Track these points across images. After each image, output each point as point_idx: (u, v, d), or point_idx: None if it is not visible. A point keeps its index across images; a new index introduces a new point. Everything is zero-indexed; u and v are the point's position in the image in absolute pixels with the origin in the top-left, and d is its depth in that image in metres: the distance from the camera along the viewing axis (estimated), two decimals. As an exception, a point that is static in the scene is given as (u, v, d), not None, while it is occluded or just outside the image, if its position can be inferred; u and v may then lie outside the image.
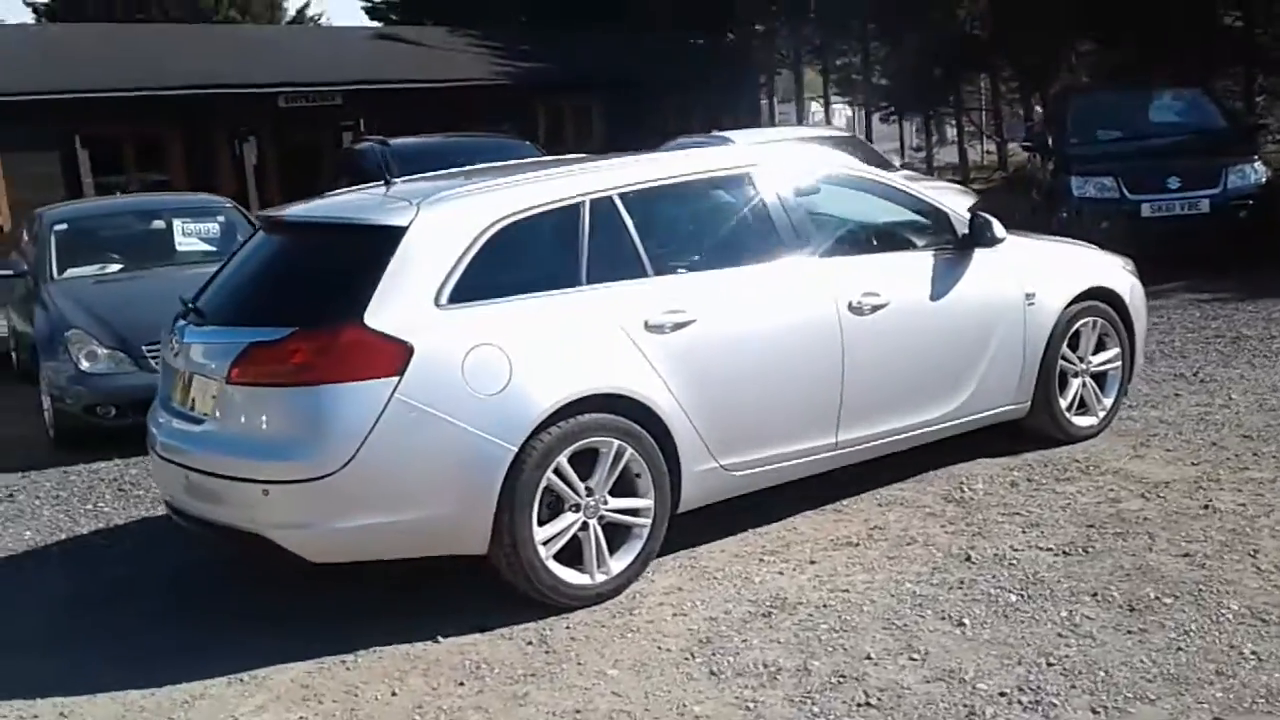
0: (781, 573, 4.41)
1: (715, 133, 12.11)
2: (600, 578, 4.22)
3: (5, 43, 16.62)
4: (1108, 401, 5.87)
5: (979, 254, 5.34)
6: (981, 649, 3.66)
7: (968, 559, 4.39)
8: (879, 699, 3.39)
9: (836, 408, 4.83)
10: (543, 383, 4.06)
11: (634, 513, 4.32)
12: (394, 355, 3.87)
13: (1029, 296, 5.45)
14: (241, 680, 3.81)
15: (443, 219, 4.17)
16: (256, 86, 16.26)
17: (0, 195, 13.39)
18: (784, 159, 5.25)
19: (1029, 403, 5.56)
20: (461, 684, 3.70)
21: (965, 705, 3.31)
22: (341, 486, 3.84)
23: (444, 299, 4.02)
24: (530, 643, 3.95)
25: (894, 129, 32.99)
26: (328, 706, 3.61)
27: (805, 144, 6.19)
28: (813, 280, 4.79)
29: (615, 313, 4.28)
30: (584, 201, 4.40)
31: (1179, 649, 3.56)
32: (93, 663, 4.02)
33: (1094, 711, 3.24)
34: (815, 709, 3.36)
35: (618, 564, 4.28)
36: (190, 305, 4.48)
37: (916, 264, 5.18)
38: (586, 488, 4.19)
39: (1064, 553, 4.39)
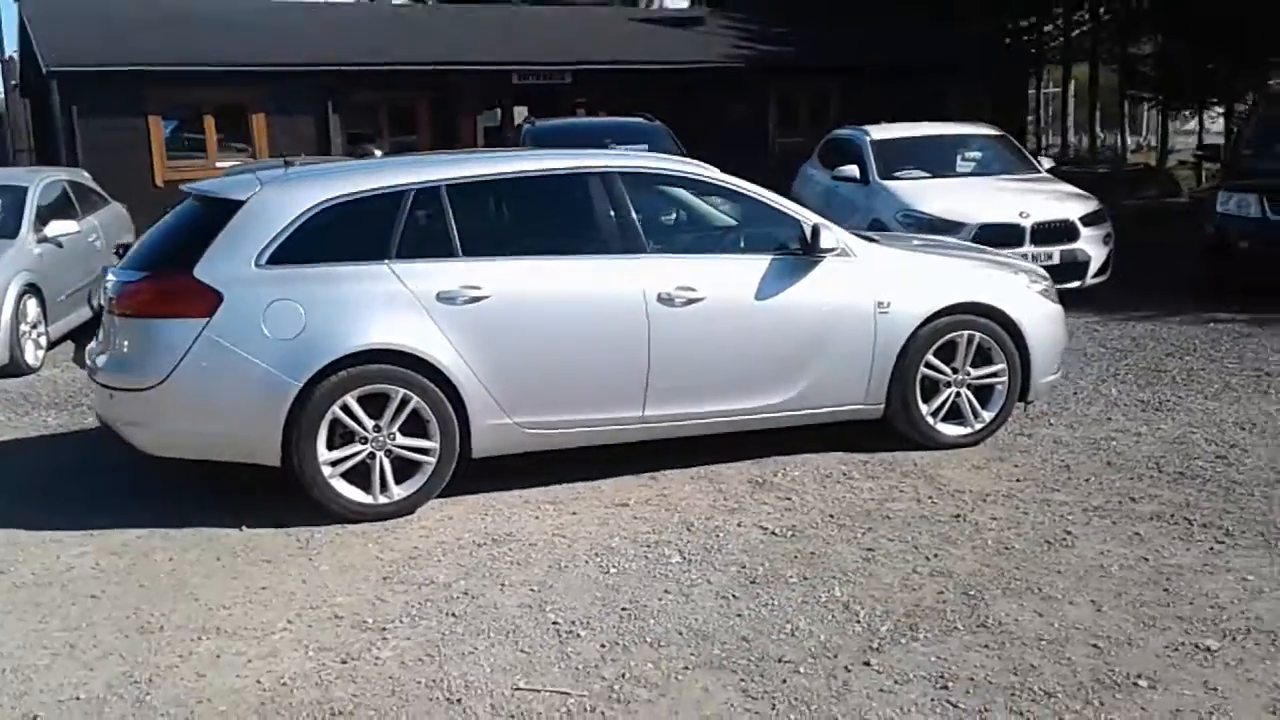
0: (537, 517, 5.14)
1: (857, 126, 12.41)
2: (382, 499, 5.15)
3: (279, 18, 19.06)
4: (987, 415, 6.04)
5: (831, 262, 5.72)
6: (601, 591, 4.28)
7: (688, 527, 4.95)
8: (470, 609, 4.12)
9: (643, 384, 5.45)
10: (331, 335, 5.02)
11: (422, 451, 5.19)
12: (207, 300, 4.96)
13: (881, 304, 5.76)
14: (89, 533, 5.06)
15: (274, 196, 5.21)
16: (494, 64, 17.99)
17: (263, 153, 15.86)
18: (632, 164, 5.84)
19: (882, 405, 5.87)
20: (219, 559, 4.76)
21: (502, 619, 3.99)
22: (161, 397, 5.00)
23: (263, 260, 5.06)
24: (297, 541, 4.93)
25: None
26: (126, 560, 4.77)
27: (662, 154, 6.63)
28: (623, 272, 5.42)
29: (413, 284, 5.15)
30: (409, 190, 5.29)
31: (762, 618, 4.03)
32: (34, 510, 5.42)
33: (653, 647, 3.82)
34: (422, 613, 4.14)
35: (401, 490, 5.18)
36: (119, 252, 5.80)
37: (744, 266, 5.66)
38: (375, 425, 5.11)
39: (772, 534, 4.84)
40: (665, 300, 5.43)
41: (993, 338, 5.97)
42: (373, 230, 5.27)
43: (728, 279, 5.61)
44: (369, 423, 5.10)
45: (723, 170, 6.02)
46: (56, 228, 9.35)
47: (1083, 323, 9.32)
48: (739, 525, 4.96)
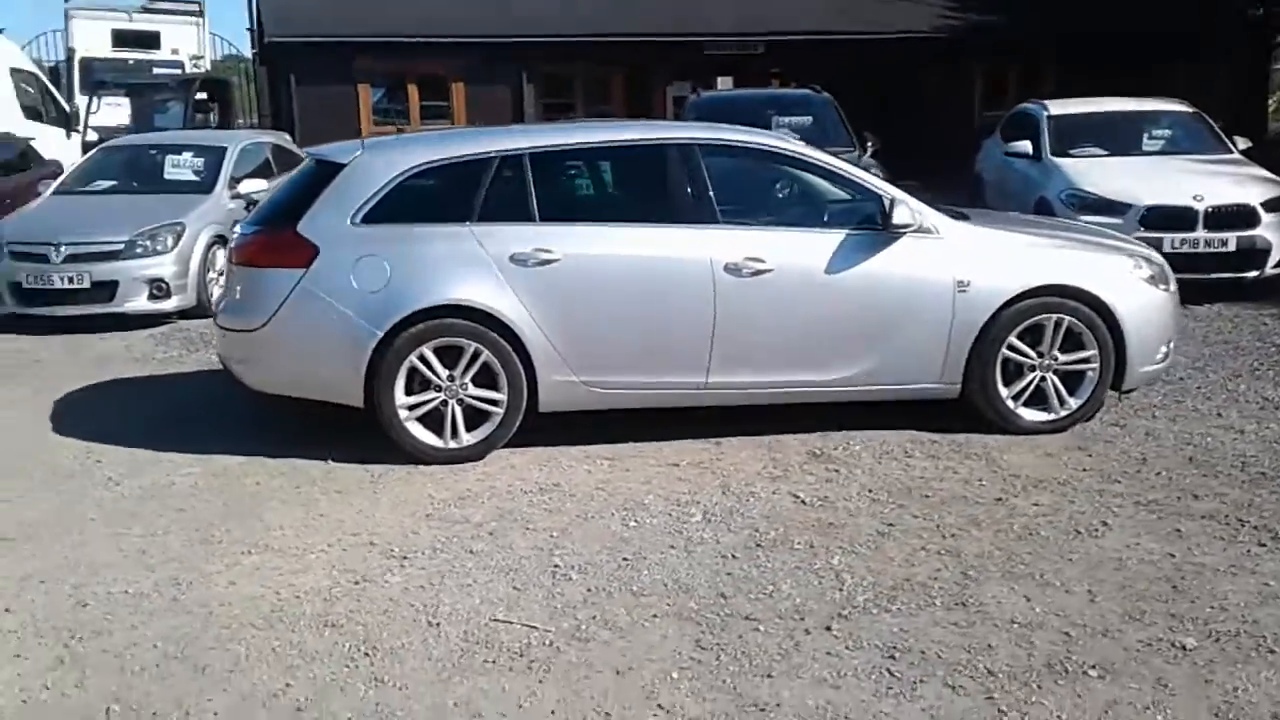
0: (589, 471, 5.43)
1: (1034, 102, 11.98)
2: (452, 444, 5.56)
3: None
4: (1074, 402, 5.88)
5: (910, 239, 5.72)
6: (612, 542, 4.53)
7: (725, 490, 5.12)
8: (487, 547, 4.46)
9: (707, 352, 5.63)
10: (411, 289, 5.45)
11: (492, 402, 5.57)
12: (305, 253, 5.48)
13: (961, 283, 5.71)
14: (201, 457, 5.71)
15: (373, 160, 5.66)
16: (686, 35, 18.22)
17: (460, 120, 16.73)
18: (711, 136, 5.97)
19: (959, 385, 5.83)
20: (298, 487, 5.29)
21: (515, 563, 4.30)
22: (264, 339, 5.57)
23: (358, 219, 5.53)
24: (371, 476, 5.41)
25: None
26: (221, 481, 5.38)
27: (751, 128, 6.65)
28: (692, 241, 5.60)
29: (490, 246, 5.50)
30: (495, 157, 5.65)
31: (750, 578, 4.20)
32: (166, 433, 6.15)
33: (635, 595, 4.08)
34: (444, 547, 4.52)
35: (471, 437, 5.58)
36: (248, 208, 6.42)
37: (817, 239, 5.72)
38: (450, 375, 5.52)
39: (802, 502, 4.96)
40: (733, 270, 5.57)
41: (1084, 322, 5.79)
42: (458, 194, 5.66)
43: (798, 252, 5.69)
44: (444, 373, 5.50)
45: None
46: (249, 185, 10.26)
47: (1250, 314, 8.81)
48: (774, 492, 5.09)
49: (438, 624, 3.87)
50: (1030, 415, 5.88)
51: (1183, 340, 7.91)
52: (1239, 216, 9.55)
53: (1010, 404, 5.86)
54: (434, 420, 5.57)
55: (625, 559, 4.38)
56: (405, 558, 4.43)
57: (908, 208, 5.68)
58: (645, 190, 5.87)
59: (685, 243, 5.61)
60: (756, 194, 6.10)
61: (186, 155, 10.59)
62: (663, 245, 5.62)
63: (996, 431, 5.85)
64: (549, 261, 5.51)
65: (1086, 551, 4.39)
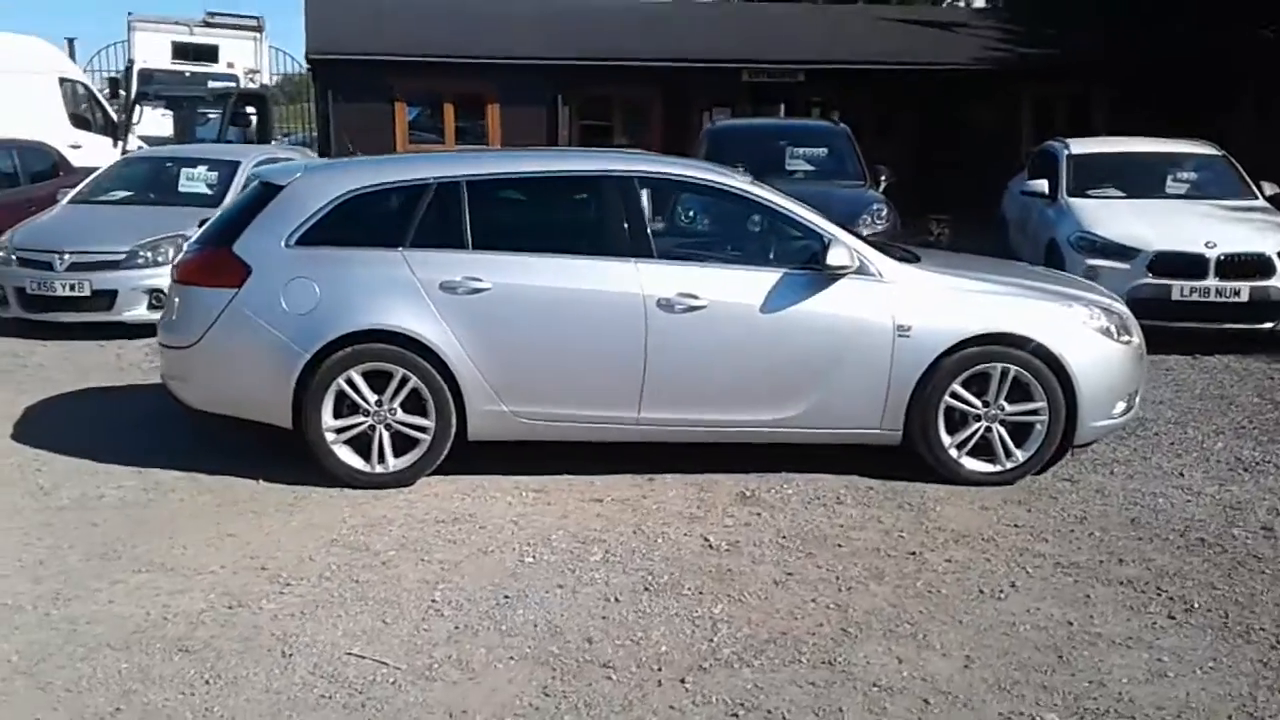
0: (510, 503, 5.37)
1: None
2: (379, 469, 5.55)
3: (517, 9, 19.77)
4: (1021, 454, 5.70)
5: (850, 280, 5.60)
6: (500, 578, 4.47)
7: (636, 529, 5.04)
8: (374, 578, 4.43)
9: (638, 387, 5.56)
10: (340, 313, 5.46)
11: (419, 429, 5.55)
12: (238, 273, 5.52)
13: (901, 328, 5.58)
14: (140, 470, 5.76)
15: (311, 183, 5.71)
16: (724, 61, 18.16)
17: (495, 140, 16.86)
18: (652, 169, 5.91)
19: (899, 431, 5.68)
20: (219, 505, 5.31)
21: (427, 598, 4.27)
22: (196, 356, 5.62)
23: (292, 241, 5.56)
24: (294, 497, 5.42)
25: None
26: (149, 496, 5.42)
27: (693, 160, 6.50)
28: (625, 275, 5.53)
29: (420, 272, 5.50)
30: (431, 184, 5.65)
31: (625, 622, 4.12)
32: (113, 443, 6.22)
33: (500, 634, 4.02)
34: (333, 575, 4.50)
35: (397, 463, 5.56)
36: (200, 225, 6.47)
37: (753, 277, 5.62)
38: (378, 400, 5.51)
39: (709, 546, 4.85)
40: (665, 306, 5.50)
41: (1031, 373, 5.62)
42: (393, 219, 5.67)
43: (734, 289, 5.60)
44: (372, 398, 5.50)
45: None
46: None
47: (1259, 368, 8.49)
48: (685, 534, 4.99)
49: (290, 655, 3.84)
50: (974, 466, 5.72)
51: (1177, 393, 7.67)
52: (1254, 265, 9.21)
53: (954, 453, 5.69)
54: (363, 444, 5.56)
55: (506, 597, 4.31)
56: (289, 584, 4.41)
57: (845, 249, 5.56)
58: (580, 221, 5.84)
59: (617, 276, 5.55)
60: (696, 229, 6.04)
61: (201, 169, 10.78)
62: (594, 277, 5.56)
63: (941, 480, 5.69)
64: (479, 290, 5.49)
65: (982, 614, 4.23)
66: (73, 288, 9.28)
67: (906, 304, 5.61)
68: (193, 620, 4.08)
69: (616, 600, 4.30)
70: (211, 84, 20.11)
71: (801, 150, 11.49)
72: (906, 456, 5.76)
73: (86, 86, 16.89)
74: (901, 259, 5.88)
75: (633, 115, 18.64)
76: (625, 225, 5.62)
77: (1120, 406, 5.85)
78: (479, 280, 5.49)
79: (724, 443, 5.78)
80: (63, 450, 6.06)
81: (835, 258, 5.51)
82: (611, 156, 6.14)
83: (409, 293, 5.48)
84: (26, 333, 9.27)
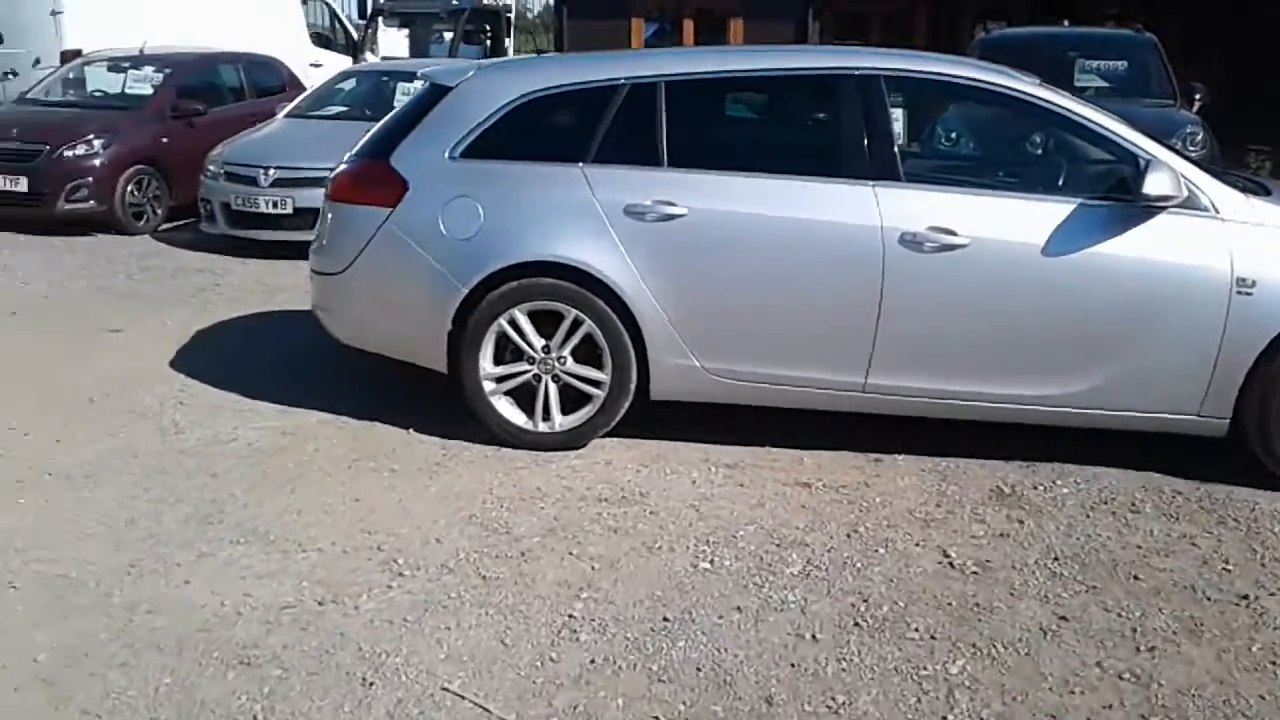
0: (695, 482, 4.30)
1: None
2: (542, 427, 4.58)
3: None
4: (1404, 464, 4.15)
5: (1172, 216, 4.17)
6: (649, 595, 3.42)
7: (851, 533, 3.85)
8: (506, 575, 3.47)
9: (869, 345, 4.34)
10: (504, 240, 4.48)
11: (593, 383, 4.54)
12: (394, 189, 4.62)
13: (1242, 283, 4.11)
14: (284, 410, 5.04)
15: (483, 84, 4.71)
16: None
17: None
18: (903, 66, 4.56)
19: (1227, 420, 4.23)
20: (357, 459, 4.49)
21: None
22: (345, 285, 4.78)
23: (457, 152, 4.61)
24: (442, 455, 4.54)
25: None
26: (283, 442, 4.67)
27: (960, 58, 4.86)
28: (861, 203, 4.29)
29: (602, 193, 4.43)
30: (623, 85, 4.55)
31: (837, 675, 2.99)
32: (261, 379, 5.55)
33: (627, 678, 3.01)
34: (457, 568, 3.57)
35: (565, 421, 4.58)
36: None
37: (1035, 209, 4.26)
38: (545, 345, 4.54)
39: (950, 565, 3.62)
40: (911, 243, 4.23)
41: None
42: (575, 128, 4.63)
43: (1006, 224, 4.26)
44: (538, 342, 4.53)
45: None
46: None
47: None
48: (918, 543, 3.77)
49: (372, 684, 2.92)
50: (1332, 474, 4.19)
51: None
52: None
53: (1301, 452, 4.19)
54: (526, 397, 4.61)
55: (666, 620, 3.25)
56: (401, 574, 3.51)
57: (1170, 174, 4.09)
58: (806, 133, 4.64)
59: (849, 203, 4.31)
60: (960, 150, 4.68)
61: (418, 83, 10.08)
62: (820, 205, 4.34)
63: (1279, 488, 4.21)
64: (673, 216, 4.38)
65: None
66: (276, 204, 8.81)
67: (1251, 251, 4.13)
68: (270, 618, 3.23)
69: (814, 638, 3.15)
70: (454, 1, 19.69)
71: (1095, 64, 9.70)
72: (1227, 453, 4.30)
73: (328, 4, 16.75)
74: (1246, 190, 4.34)
75: (892, 31, 16.87)
76: (865, 139, 4.35)
77: None
78: (673, 205, 4.38)
79: (977, 422, 4.47)
80: (214, 380, 5.43)
81: (1156, 185, 4.06)
82: (850, 52, 4.85)
83: (587, 217, 4.43)
84: (231, 250, 8.89)
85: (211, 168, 9.16)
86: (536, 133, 4.65)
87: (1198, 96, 9.69)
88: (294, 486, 4.20)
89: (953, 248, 4.21)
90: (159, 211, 10.01)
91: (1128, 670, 3.00)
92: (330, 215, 4.93)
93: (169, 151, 10.04)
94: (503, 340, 4.56)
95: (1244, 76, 14.84)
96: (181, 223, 9.99)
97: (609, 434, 4.60)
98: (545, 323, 4.52)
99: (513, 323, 4.51)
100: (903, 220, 4.24)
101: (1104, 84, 9.71)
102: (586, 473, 4.36)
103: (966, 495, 4.18)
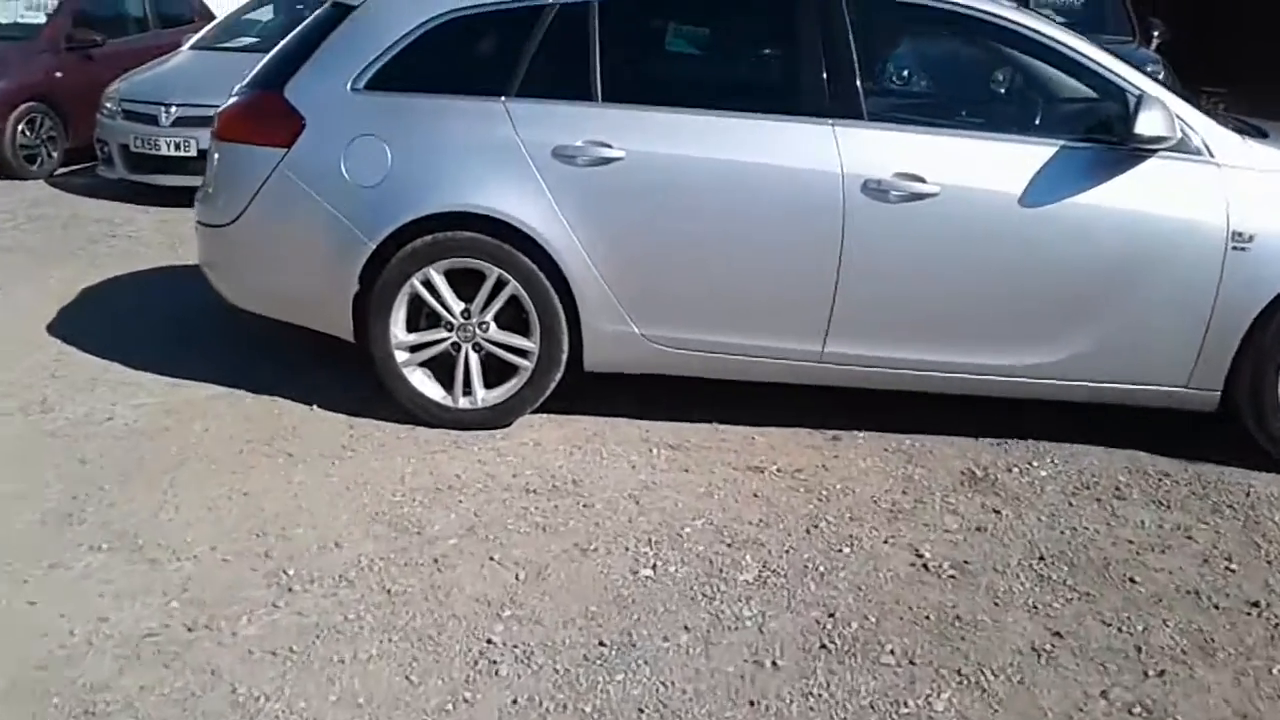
0: (634, 466, 3.81)
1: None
2: (463, 402, 4.06)
3: None
4: None
5: (1162, 161, 3.71)
6: (577, 604, 2.93)
7: (812, 526, 3.39)
8: (415, 589, 2.97)
9: (827, 308, 3.85)
10: (416, 187, 3.91)
11: (520, 352, 4.01)
12: (289, 126, 4.02)
13: (1239, 237, 3.67)
14: (173, 383, 4.46)
15: (391, 2, 4.11)
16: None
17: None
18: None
19: (1217, 392, 3.82)
20: (248, 442, 3.94)
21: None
22: (233, 238, 4.19)
23: (361, 83, 4.01)
24: (349, 436, 4.00)
25: None
26: (167, 422, 4.10)
27: None
28: (818, 144, 3.77)
29: (527, 131, 3.87)
30: (553, 4, 3.97)
31: (798, 716, 2.52)
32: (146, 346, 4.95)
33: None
34: (357, 579, 3.06)
35: (488, 395, 4.05)
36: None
37: (1013, 152, 3.77)
38: (465, 310, 3.99)
39: (925, 566, 3.17)
40: (875, 191, 3.73)
41: None
42: (497, 55, 4.05)
43: (980, 169, 3.77)
44: (456, 306, 3.98)
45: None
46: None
47: None
48: (885, 541, 3.32)
49: (242, 737, 2.41)
50: (1333, 452, 3.81)
51: None
52: None
53: (1297, 427, 3.80)
54: (445, 369, 4.08)
55: (601, 645, 2.77)
56: (291, 590, 2.99)
57: (1163, 112, 3.63)
58: (757, 64, 4.10)
59: (806, 144, 3.79)
60: (928, 80, 4.19)
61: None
62: (773, 147, 3.82)
63: (1275, 469, 3.82)
64: (608, 160, 3.84)
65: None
66: (178, 146, 8.07)
67: (1249, 201, 3.69)
68: (128, 651, 2.70)
69: (774, 665, 2.69)
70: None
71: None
72: (1216, 428, 3.91)
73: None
74: (1242, 132, 3.89)
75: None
76: (822, 70, 3.83)
77: None
78: (608, 146, 3.84)
79: (944, 394, 4.02)
80: (96, 348, 4.81)
81: (1148, 124, 3.59)
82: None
83: (510, 161, 3.87)
84: (133, 197, 8.16)
85: (109, 105, 8.39)
86: (454, 61, 4.05)
87: (1156, 34, 9.27)
88: (173, 477, 3.65)
89: (921, 196, 3.72)
90: (54, 154, 9.19)
91: (1137, 702, 2.59)
92: (217, 157, 4.31)
93: (64, 87, 9.20)
94: (416, 303, 4.02)
95: (1199, 14, 14.46)
96: (80, 167, 9.21)
97: (537, 410, 4.09)
98: (465, 283, 3.97)
99: (427, 283, 3.96)
100: (866, 166, 3.74)
101: (1059, 19, 9.24)
102: (512, 456, 3.85)
103: (936, 480, 3.74)
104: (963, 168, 3.76)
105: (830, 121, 3.79)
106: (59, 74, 9.22)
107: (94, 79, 8.87)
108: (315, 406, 4.24)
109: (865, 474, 3.76)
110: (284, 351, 4.65)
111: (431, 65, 4.03)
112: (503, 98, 3.92)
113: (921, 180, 3.72)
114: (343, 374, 4.35)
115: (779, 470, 3.76)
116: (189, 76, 8.62)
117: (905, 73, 4.38)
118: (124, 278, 6.11)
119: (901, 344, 3.87)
